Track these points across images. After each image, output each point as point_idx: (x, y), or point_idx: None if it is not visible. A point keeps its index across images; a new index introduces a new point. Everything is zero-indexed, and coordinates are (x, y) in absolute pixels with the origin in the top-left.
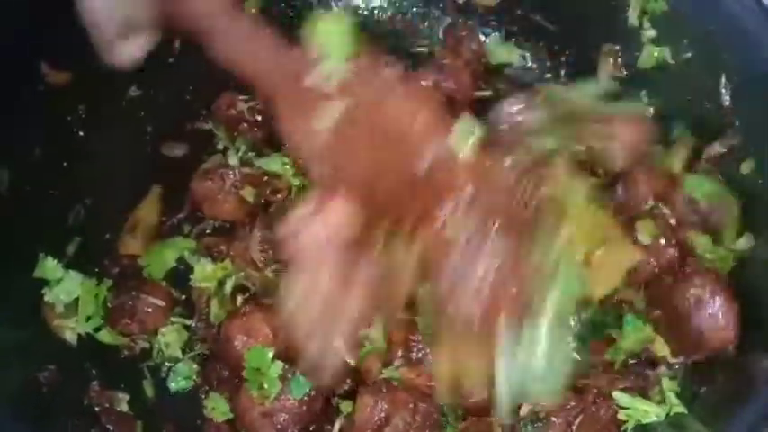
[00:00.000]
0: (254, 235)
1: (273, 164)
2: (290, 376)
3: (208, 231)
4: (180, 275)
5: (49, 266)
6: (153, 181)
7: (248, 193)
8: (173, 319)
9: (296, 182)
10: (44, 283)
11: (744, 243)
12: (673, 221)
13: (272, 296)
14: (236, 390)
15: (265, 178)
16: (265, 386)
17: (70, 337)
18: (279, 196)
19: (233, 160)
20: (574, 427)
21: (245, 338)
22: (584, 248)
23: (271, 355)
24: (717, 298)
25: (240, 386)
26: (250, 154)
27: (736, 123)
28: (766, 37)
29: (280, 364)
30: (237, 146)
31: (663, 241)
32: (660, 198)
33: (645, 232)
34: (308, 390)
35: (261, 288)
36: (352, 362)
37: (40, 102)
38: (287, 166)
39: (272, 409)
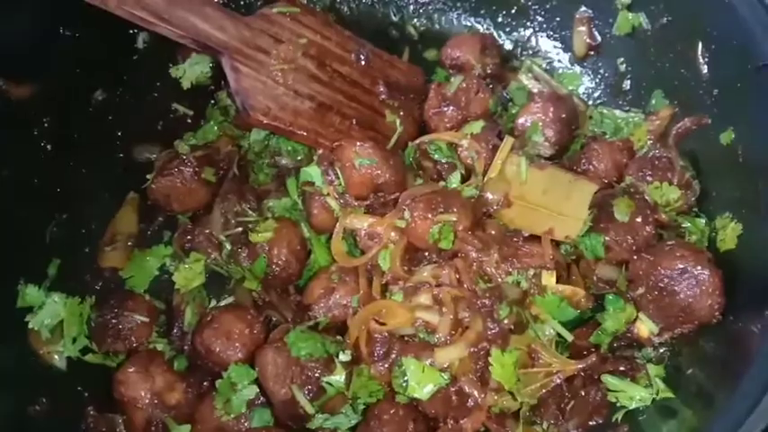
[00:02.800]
0: (215, 212)
1: (210, 133)
2: (257, 403)
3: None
4: (162, 285)
5: (31, 294)
6: (128, 188)
7: (209, 174)
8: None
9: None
10: (28, 311)
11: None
12: (649, 199)
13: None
14: (201, 396)
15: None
16: (232, 403)
17: (59, 362)
18: (234, 170)
19: (183, 149)
20: (567, 411)
21: (226, 342)
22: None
23: (253, 378)
24: (701, 267)
25: (207, 392)
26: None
27: (715, 92)
28: (746, 10)
29: (255, 389)
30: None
31: (639, 219)
32: (620, 168)
33: (622, 210)
34: (267, 424)
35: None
36: (310, 410)
37: (4, 119)
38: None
39: (227, 426)
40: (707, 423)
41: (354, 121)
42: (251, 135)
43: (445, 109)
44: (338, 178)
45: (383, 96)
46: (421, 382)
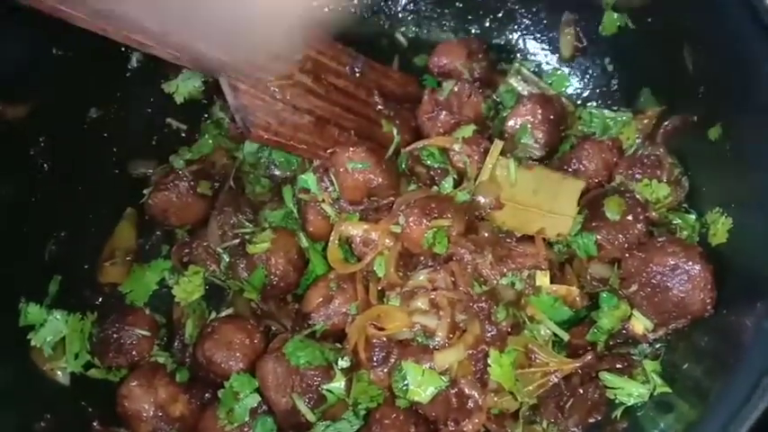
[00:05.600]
0: (212, 225)
1: (205, 147)
2: (260, 412)
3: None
4: (162, 299)
5: (33, 312)
6: (125, 204)
7: (204, 188)
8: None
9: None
10: (30, 329)
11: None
12: (639, 197)
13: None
14: (204, 407)
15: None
16: (235, 412)
17: (63, 378)
18: (230, 183)
19: (178, 163)
20: (566, 410)
21: (227, 352)
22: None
23: (254, 386)
24: (692, 263)
25: (210, 403)
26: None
27: (701, 89)
28: (730, 6)
29: (257, 397)
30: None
31: (630, 217)
32: (609, 167)
33: (613, 209)
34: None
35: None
36: (312, 418)
37: (1, 140)
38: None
39: None
40: (703, 416)
41: (353, 133)
42: (244, 147)
43: (438, 114)
44: (333, 185)
45: (379, 107)
46: (421, 385)
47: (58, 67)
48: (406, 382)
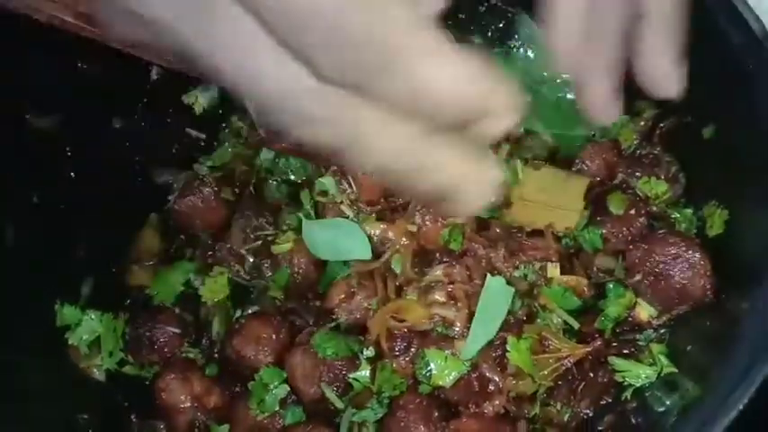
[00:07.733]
0: (234, 228)
1: (225, 155)
2: (289, 401)
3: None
4: (188, 298)
5: (68, 313)
6: (149, 209)
7: (227, 193)
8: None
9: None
10: (66, 328)
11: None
12: (640, 193)
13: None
14: (235, 399)
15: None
16: (265, 402)
17: (99, 375)
18: (250, 188)
19: (202, 170)
20: (578, 393)
21: (255, 347)
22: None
23: (283, 378)
24: (692, 251)
25: (240, 395)
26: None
27: (695, 90)
28: (718, 7)
29: (287, 388)
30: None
31: (633, 212)
32: (610, 166)
33: (616, 205)
34: (300, 420)
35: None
36: (340, 405)
37: (30, 149)
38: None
39: (261, 423)
40: (705, 391)
41: None
42: (261, 154)
43: None
44: (351, 186)
45: None
46: (444, 370)
47: (84, 81)
48: (429, 368)
